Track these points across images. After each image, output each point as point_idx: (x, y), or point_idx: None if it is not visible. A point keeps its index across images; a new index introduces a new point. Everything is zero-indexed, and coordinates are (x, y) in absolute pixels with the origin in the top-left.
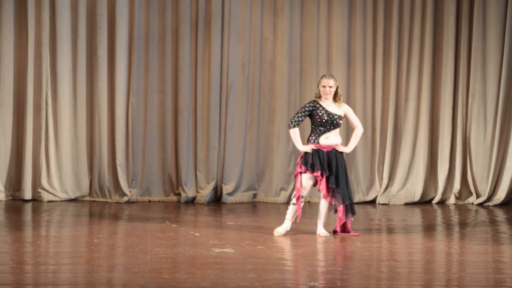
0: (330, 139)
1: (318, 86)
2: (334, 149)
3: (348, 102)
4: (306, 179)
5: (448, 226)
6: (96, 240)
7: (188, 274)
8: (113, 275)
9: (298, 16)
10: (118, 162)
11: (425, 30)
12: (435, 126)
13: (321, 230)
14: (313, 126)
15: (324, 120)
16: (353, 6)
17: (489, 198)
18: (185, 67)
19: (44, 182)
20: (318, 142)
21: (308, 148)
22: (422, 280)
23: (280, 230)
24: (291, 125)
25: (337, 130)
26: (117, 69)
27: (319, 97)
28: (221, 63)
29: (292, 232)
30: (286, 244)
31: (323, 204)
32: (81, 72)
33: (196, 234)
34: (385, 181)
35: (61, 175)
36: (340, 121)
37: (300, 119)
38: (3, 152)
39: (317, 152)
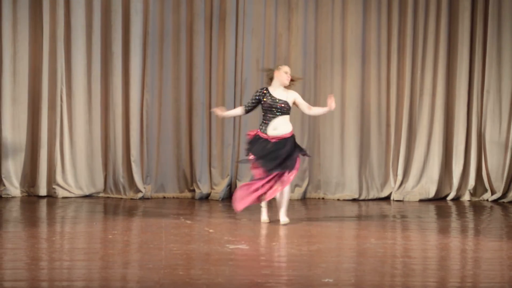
0: (278, 129)
1: (274, 71)
2: (283, 138)
3: (363, 99)
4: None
5: (463, 223)
6: (110, 237)
7: (203, 271)
8: (127, 271)
9: (313, 12)
10: (132, 158)
11: (440, 26)
12: (450, 123)
13: (283, 218)
14: (262, 114)
15: (267, 105)
16: (368, 2)
17: (504, 195)
18: (199, 63)
19: (59, 178)
20: (266, 133)
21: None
22: (437, 277)
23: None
24: (244, 107)
25: (285, 117)
26: (132, 66)
27: (271, 78)
28: (235, 59)
29: (306, 228)
30: (300, 241)
31: (283, 192)
32: (96, 68)
33: (211, 231)
34: (399, 178)
35: (75, 172)
36: (284, 106)
37: (251, 105)
38: (18, 148)
39: (265, 141)
